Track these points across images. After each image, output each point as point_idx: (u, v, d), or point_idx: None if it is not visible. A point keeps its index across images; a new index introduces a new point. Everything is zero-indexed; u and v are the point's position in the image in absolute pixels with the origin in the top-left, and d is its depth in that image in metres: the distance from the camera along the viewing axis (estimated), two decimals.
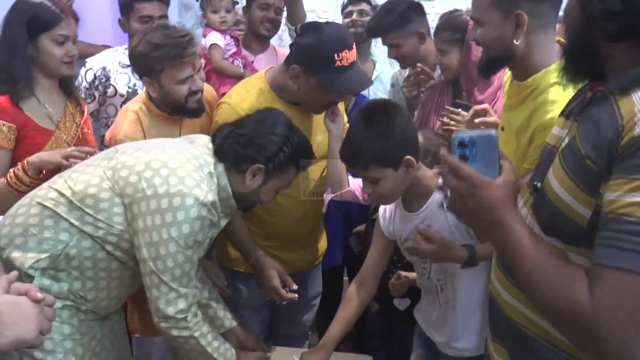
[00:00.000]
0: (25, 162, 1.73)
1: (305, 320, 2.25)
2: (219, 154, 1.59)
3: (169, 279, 1.48)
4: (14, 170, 1.74)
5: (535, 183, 1.09)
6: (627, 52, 0.95)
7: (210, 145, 1.61)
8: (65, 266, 1.49)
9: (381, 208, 1.75)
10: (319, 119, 1.98)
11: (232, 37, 2.61)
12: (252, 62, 2.63)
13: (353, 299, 1.74)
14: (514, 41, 1.41)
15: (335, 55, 1.77)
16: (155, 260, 1.47)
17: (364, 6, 2.91)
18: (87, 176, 1.52)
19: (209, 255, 1.98)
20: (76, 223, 1.48)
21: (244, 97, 1.89)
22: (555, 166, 1.02)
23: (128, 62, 2.13)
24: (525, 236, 0.97)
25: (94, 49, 2.62)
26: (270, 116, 1.66)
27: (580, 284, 0.90)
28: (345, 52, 1.79)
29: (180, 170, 1.48)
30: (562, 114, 1.11)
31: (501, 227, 0.98)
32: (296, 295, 1.93)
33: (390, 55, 2.53)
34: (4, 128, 1.81)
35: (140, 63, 1.88)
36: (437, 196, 1.59)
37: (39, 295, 1.07)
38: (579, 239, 0.97)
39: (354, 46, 1.83)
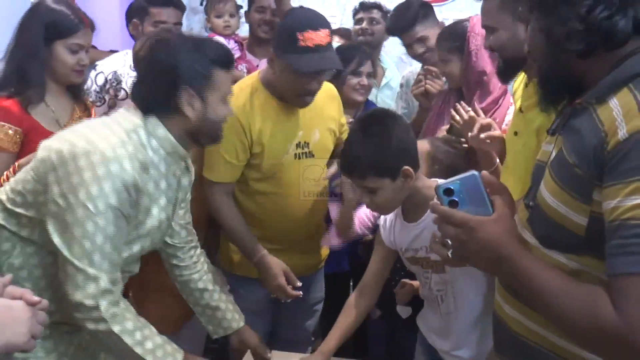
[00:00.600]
0: (16, 164, 1.72)
1: (307, 326, 2.25)
2: (142, 107, 1.43)
3: (76, 255, 1.29)
4: (7, 173, 1.73)
5: (527, 202, 1.09)
6: (599, 63, 0.98)
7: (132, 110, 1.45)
8: (15, 278, 1.35)
9: (382, 218, 1.75)
10: (316, 116, 1.98)
11: (236, 41, 2.63)
12: (257, 66, 2.63)
13: (353, 306, 1.73)
14: None
15: (298, 34, 1.76)
16: (62, 233, 1.31)
17: (375, 14, 2.90)
18: (21, 174, 1.41)
19: (212, 260, 1.98)
20: (14, 229, 1.37)
21: (238, 94, 1.87)
22: (546, 180, 1.02)
23: None
24: (535, 266, 0.97)
25: (101, 55, 2.63)
26: (159, 42, 1.47)
27: (602, 301, 0.89)
28: (309, 33, 1.77)
29: (93, 135, 1.34)
30: (547, 131, 1.12)
31: (509, 263, 0.98)
32: (301, 292, 1.95)
33: (416, 52, 2.49)
34: (10, 131, 1.82)
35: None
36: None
37: (35, 298, 1.06)
38: (579, 248, 0.97)
39: (326, 30, 1.81)
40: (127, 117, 1.42)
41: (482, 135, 1.76)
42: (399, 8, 2.51)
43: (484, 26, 1.62)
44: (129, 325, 1.36)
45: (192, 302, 1.73)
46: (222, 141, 1.64)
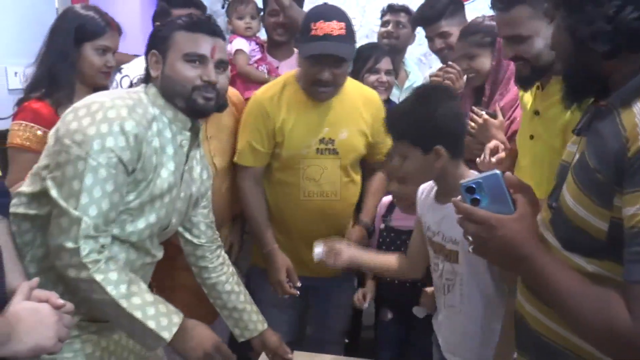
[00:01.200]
0: None
1: (337, 327, 2.26)
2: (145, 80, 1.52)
3: (64, 195, 1.27)
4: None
5: (550, 203, 1.09)
6: (625, 64, 0.97)
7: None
8: (39, 269, 1.37)
9: (420, 188, 1.74)
10: (348, 116, 2.03)
11: (257, 43, 2.65)
12: (277, 68, 2.65)
13: (396, 260, 1.79)
14: None
15: (312, 24, 1.89)
16: (54, 176, 1.29)
17: (402, 17, 2.87)
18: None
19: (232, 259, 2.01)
20: (33, 212, 1.36)
21: (269, 87, 2.05)
22: (569, 182, 1.02)
23: None
24: (553, 266, 0.98)
25: (126, 58, 2.68)
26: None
27: (617, 306, 0.89)
28: (321, 22, 1.87)
29: (94, 96, 1.40)
30: (573, 131, 1.12)
31: (528, 262, 0.99)
32: (298, 292, 2.04)
33: (436, 47, 2.50)
34: (39, 132, 1.86)
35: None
36: None
37: (60, 301, 1.08)
38: (600, 252, 0.96)
39: (340, 22, 1.89)
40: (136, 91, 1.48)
41: (493, 160, 1.81)
42: (426, 3, 2.53)
43: (508, 36, 1.59)
44: (113, 276, 1.29)
45: (220, 305, 1.73)
46: (251, 129, 1.92)
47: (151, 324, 1.30)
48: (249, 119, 2.05)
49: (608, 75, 1.00)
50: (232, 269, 1.76)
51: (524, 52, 1.53)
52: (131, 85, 2.48)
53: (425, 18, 2.49)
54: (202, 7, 2.61)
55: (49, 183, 1.30)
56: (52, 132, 1.39)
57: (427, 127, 1.50)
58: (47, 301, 1.06)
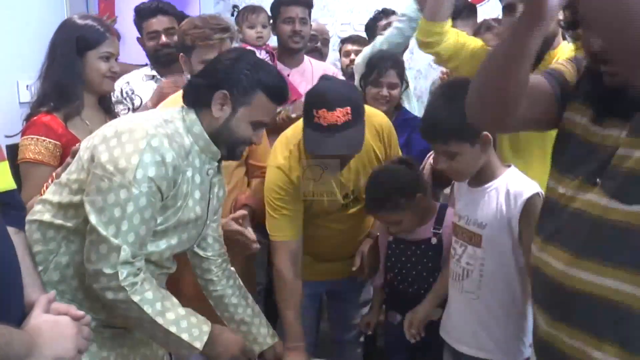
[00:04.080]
0: (54, 174, 1.75)
1: (358, 326, 2.23)
2: (186, 100, 1.50)
3: (104, 221, 1.30)
4: (46, 184, 1.76)
5: (596, 180, 1.08)
6: None
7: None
8: (62, 277, 1.41)
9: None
10: (360, 163, 1.96)
11: (267, 51, 2.64)
12: (288, 75, 2.64)
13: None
14: None
15: (314, 110, 1.74)
16: (94, 201, 1.31)
17: (393, 18, 2.87)
18: (64, 172, 1.47)
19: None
20: (60, 222, 1.39)
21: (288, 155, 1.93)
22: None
23: (152, 74, 2.47)
24: None
25: (128, 68, 2.70)
26: (232, 51, 1.62)
27: None
28: (323, 112, 1.71)
29: (136, 119, 1.43)
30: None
31: None
32: None
33: None
34: (50, 146, 1.87)
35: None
36: (499, 185, 1.60)
37: (79, 312, 1.10)
38: None
39: (343, 109, 1.72)
40: (165, 110, 1.49)
41: None
42: None
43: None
44: (149, 295, 1.36)
45: (227, 318, 1.72)
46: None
47: (185, 337, 1.39)
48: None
49: None
50: (239, 282, 1.76)
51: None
52: (121, 92, 2.51)
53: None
54: (171, 12, 2.62)
55: (88, 207, 1.33)
56: (88, 145, 1.40)
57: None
58: (67, 313, 1.08)
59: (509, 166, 1.65)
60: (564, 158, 1.20)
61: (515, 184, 1.57)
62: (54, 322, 1.05)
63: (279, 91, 1.51)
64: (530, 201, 1.52)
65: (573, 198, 1.13)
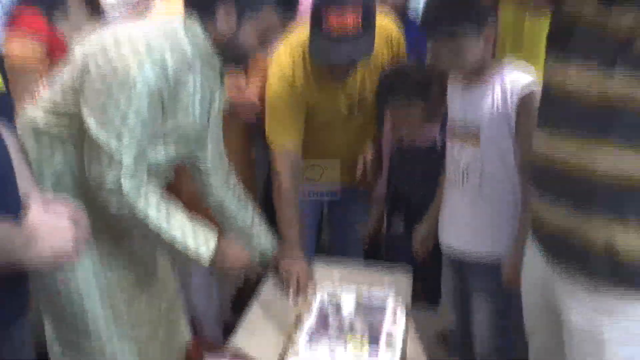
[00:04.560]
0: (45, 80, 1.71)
1: (358, 228, 2.25)
2: (189, 9, 1.42)
3: (101, 129, 1.28)
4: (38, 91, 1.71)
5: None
6: None
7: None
8: (59, 185, 1.41)
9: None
10: (369, 73, 1.91)
11: None
12: None
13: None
14: None
15: (324, 13, 1.67)
16: (93, 108, 1.29)
17: None
18: (57, 79, 1.43)
19: None
20: (55, 131, 1.38)
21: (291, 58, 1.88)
22: None
23: None
24: None
25: None
26: None
27: None
28: (334, 17, 1.65)
29: (136, 27, 1.36)
30: None
31: None
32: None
33: None
34: (37, 46, 1.78)
35: None
36: (494, 80, 1.55)
37: (77, 210, 1.11)
38: None
39: (354, 10, 1.65)
40: (167, 18, 1.42)
41: None
42: None
43: None
44: (153, 202, 1.36)
45: (227, 227, 1.70)
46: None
47: (190, 243, 1.38)
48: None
49: None
50: (243, 195, 1.72)
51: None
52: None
53: None
54: None
55: (86, 116, 1.30)
56: (85, 52, 1.34)
57: (478, 5, 1.48)
58: (64, 211, 1.08)
59: (502, 61, 1.59)
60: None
61: (510, 78, 1.52)
62: (53, 215, 1.05)
63: (290, 2, 1.44)
64: (527, 94, 1.47)
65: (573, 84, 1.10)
